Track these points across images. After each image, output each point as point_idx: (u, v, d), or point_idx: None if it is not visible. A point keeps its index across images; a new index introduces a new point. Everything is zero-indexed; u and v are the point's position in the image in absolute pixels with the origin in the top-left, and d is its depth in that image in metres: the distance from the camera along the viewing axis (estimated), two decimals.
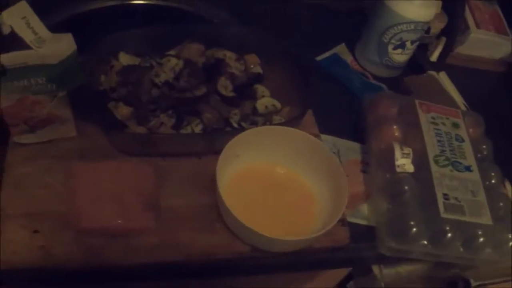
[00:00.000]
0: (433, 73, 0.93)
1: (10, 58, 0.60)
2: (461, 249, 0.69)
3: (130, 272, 0.64)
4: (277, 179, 0.69)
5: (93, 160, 0.67)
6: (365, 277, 0.86)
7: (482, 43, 1.01)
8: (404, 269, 0.83)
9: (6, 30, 0.61)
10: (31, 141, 0.68)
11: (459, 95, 0.93)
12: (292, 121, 0.69)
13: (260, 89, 0.75)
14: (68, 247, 0.61)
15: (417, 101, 0.81)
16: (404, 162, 0.74)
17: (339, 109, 0.83)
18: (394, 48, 0.86)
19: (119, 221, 0.61)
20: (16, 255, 0.60)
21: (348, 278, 0.91)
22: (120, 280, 0.66)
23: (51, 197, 0.64)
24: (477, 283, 0.81)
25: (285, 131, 0.67)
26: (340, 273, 0.89)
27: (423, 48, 0.95)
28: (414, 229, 0.68)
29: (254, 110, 0.73)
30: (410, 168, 0.74)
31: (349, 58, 0.89)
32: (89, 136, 0.69)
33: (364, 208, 0.74)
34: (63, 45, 0.61)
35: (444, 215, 0.69)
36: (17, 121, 0.66)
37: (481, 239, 0.69)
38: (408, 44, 0.85)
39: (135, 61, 0.73)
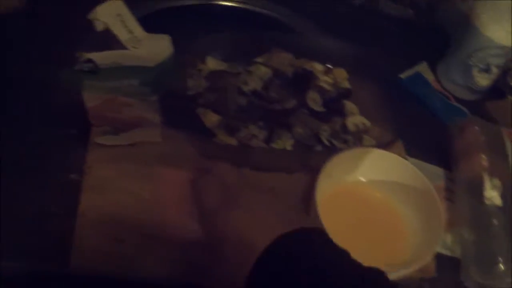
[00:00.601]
0: None
1: (103, 57, 0.56)
2: None
3: None
4: (369, 203, 0.65)
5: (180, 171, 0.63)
6: None
7: None
8: None
9: (99, 27, 0.57)
10: (113, 143, 0.64)
11: None
12: (384, 144, 0.65)
13: (349, 105, 0.71)
14: (154, 258, 0.57)
15: (504, 130, 0.77)
16: (493, 195, 0.70)
17: (421, 130, 0.79)
18: (479, 72, 0.82)
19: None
20: (95, 263, 0.56)
21: None
22: None
23: (136, 204, 0.60)
24: None
25: (380, 154, 0.64)
26: None
27: (503, 72, 0.90)
28: (502, 266, 0.65)
29: (344, 127, 0.69)
30: (498, 201, 0.70)
31: (430, 78, 0.85)
32: (175, 142, 0.64)
33: (447, 238, 0.70)
34: (160, 47, 0.57)
35: None
36: (102, 122, 0.62)
37: None
38: (493, 68, 0.81)
39: (222, 66, 0.69)
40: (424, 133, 0.79)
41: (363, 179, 0.65)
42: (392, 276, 0.59)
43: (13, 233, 0.54)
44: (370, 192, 0.66)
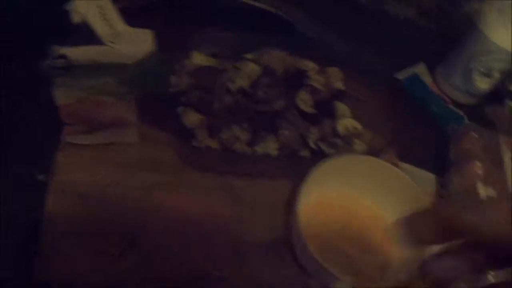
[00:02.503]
0: None
1: (78, 53, 0.51)
2: None
3: None
4: (358, 214, 0.60)
5: (157, 176, 0.57)
6: None
7: None
8: None
9: (77, 19, 0.51)
10: (86, 142, 0.58)
11: None
12: (378, 150, 0.60)
13: (341, 107, 0.65)
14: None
15: (502, 138, 0.72)
16: None
17: (416, 135, 0.73)
18: (480, 76, 0.76)
19: None
20: (61, 272, 0.51)
21: None
22: None
23: (108, 208, 0.55)
24: None
25: (372, 162, 0.59)
26: None
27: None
28: (491, 278, 0.60)
29: (333, 130, 0.64)
30: None
31: (428, 80, 0.80)
32: (153, 144, 0.59)
33: (437, 247, 0.65)
34: (141, 43, 0.52)
35: None
36: (75, 121, 0.56)
37: None
38: (495, 73, 0.76)
39: (209, 62, 0.63)
40: (419, 137, 0.73)
41: (350, 188, 0.60)
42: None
43: None
44: (358, 201, 0.61)
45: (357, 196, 0.60)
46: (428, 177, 0.70)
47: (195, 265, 0.52)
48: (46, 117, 0.57)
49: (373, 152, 0.62)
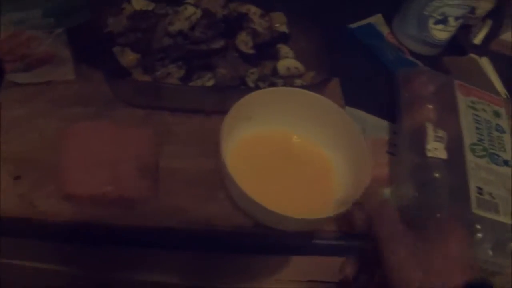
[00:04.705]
0: (475, 56, 0.80)
1: None
2: (490, 253, 0.57)
3: (120, 235, 0.55)
4: (292, 147, 0.58)
5: (91, 110, 0.57)
6: None
7: None
8: None
9: None
10: (26, 81, 0.58)
11: (501, 84, 0.79)
12: (316, 86, 0.58)
13: (284, 49, 0.63)
14: (51, 200, 0.52)
15: (456, 82, 0.68)
16: (436, 146, 0.62)
17: (369, 82, 0.70)
18: (436, 23, 0.73)
19: (110, 188, 0.51)
20: None
21: None
22: (109, 244, 0.57)
23: (43, 143, 0.55)
24: None
25: (305, 95, 0.56)
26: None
27: (466, 29, 0.81)
28: None
29: (274, 71, 0.62)
30: (442, 153, 0.61)
31: (385, 31, 0.77)
32: (89, 82, 0.59)
33: (387, 193, 0.62)
34: None
35: (475, 210, 0.56)
36: (12, 57, 0.56)
37: None
38: (451, 20, 0.72)
39: (149, 6, 0.62)
40: (371, 85, 0.70)
41: (287, 123, 0.58)
42: (309, 223, 0.52)
43: None
44: (295, 137, 0.59)
45: (290, 131, 0.58)
46: (379, 123, 0.68)
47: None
48: None
49: (314, 90, 0.59)
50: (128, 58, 0.57)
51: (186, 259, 0.65)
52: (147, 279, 0.71)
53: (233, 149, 0.54)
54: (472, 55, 0.79)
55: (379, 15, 0.78)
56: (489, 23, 0.84)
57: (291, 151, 0.58)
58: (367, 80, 0.71)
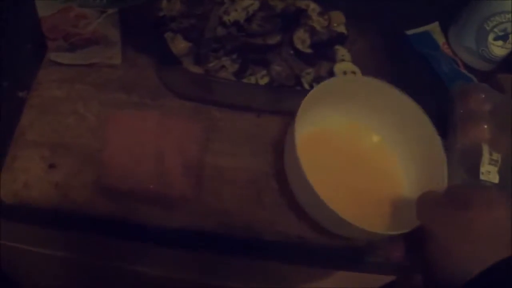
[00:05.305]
0: None
1: None
2: None
3: (154, 235, 0.51)
4: (360, 147, 0.53)
5: (134, 97, 0.53)
6: None
7: None
8: None
9: None
10: (69, 62, 0.54)
11: None
12: None
13: (341, 51, 0.59)
14: (87, 191, 0.48)
15: None
16: (490, 170, 0.58)
17: (422, 92, 0.66)
18: (495, 39, 0.68)
19: (152, 185, 0.47)
20: (27, 189, 0.47)
21: None
22: (140, 241, 0.53)
23: (81, 129, 0.51)
24: None
25: (382, 88, 0.50)
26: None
27: None
28: None
29: (331, 73, 0.58)
30: (495, 178, 0.57)
31: (441, 40, 0.72)
32: (135, 67, 0.55)
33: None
34: None
35: None
36: (57, 35, 0.52)
37: None
38: (511, 37, 0.68)
39: None
40: (423, 95, 0.66)
41: (349, 116, 0.53)
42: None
43: None
44: (359, 132, 0.54)
45: (357, 126, 0.53)
46: None
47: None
48: (27, 32, 0.54)
49: None
50: (180, 45, 0.53)
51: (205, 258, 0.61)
52: (165, 275, 0.67)
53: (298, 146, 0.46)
54: None
55: (436, 23, 0.74)
56: None
57: (359, 150, 0.53)
58: (420, 90, 0.66)
